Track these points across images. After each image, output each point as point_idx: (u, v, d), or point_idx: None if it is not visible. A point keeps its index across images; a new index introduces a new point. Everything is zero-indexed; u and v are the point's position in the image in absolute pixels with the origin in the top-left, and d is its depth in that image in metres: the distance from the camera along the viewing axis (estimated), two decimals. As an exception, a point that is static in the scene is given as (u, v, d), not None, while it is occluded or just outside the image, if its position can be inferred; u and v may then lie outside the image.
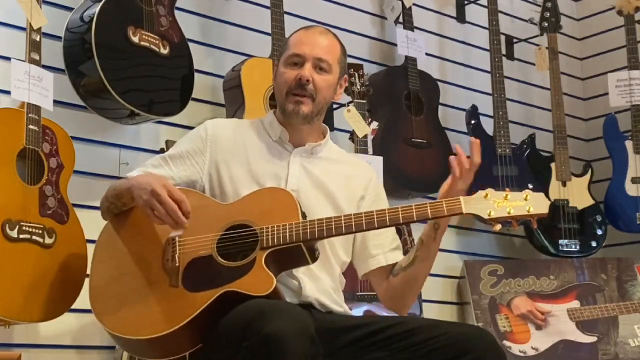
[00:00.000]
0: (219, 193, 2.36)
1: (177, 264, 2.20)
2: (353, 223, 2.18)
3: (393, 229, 2.46)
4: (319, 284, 2.33)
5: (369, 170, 2.58)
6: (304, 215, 2.22)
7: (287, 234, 2.16)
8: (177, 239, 2.23)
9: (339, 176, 2.44)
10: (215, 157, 2.40)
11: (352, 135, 3.50)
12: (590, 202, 4.27)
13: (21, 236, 2.52)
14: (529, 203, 2.14)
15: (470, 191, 2.23)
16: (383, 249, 2.44)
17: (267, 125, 2.47)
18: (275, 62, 2.50)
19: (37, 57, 2.69)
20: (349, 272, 2.51)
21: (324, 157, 2.47)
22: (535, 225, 2.23)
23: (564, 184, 4.24)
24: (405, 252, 2.49)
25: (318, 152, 2.46)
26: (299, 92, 2.37)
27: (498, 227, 2.17)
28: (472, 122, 4.19)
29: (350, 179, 2.43)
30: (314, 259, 2.21)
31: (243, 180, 2.36)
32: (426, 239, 2.32)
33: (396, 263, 2.44)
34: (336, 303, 2.37)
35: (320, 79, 2.38)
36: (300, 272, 2.29)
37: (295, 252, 2.18)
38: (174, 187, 2.22)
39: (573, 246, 4.18)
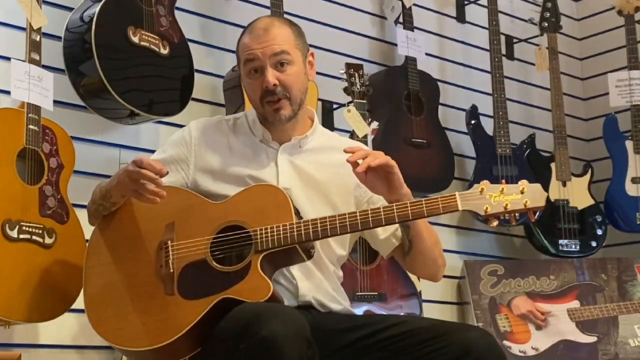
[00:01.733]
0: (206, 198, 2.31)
1: (171, 270, 2.17)
2: (348, 223, 2.14)
3: None
4: (315, 282, 2.31)
5: None
6: (297, 213, 2.19)
7: (282, 236, 2.13)
8: (169, 242, 2.20)
9: (330, 167, 2.38)
10: (200, 161, 2.36)
11: (352, 135, 3.50)
12: (591, 202, 4.27)
13: (21, 236, 2.51)
14: (526, 196, 2.12)
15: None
16: (392, 229, 2.37)
17: (251, 123, 2.41)
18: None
19: (37, 57, 2.68)
20: (348, 272, 2.49)
21: (313, 147, 2.42)
22: (533, 219, 2.20)
23: (564, 184, 4.24)
24: None
25: (306, 144, 2.41)
26: (272, 99, 2.31)
27: (495, 223, 2.16)
28: (472, 122, 4.19)
29: (342, 167, 2.27)
30: (310, 256, 2.19)
31: (231, 185, 2.30)
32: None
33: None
34: (335, 301, 2.34)
35: (285, 76, 2.31)
36: (295, 271, 2.27)
37: (291, 253, 2.16)
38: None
39: (573, 246, 4.18)
